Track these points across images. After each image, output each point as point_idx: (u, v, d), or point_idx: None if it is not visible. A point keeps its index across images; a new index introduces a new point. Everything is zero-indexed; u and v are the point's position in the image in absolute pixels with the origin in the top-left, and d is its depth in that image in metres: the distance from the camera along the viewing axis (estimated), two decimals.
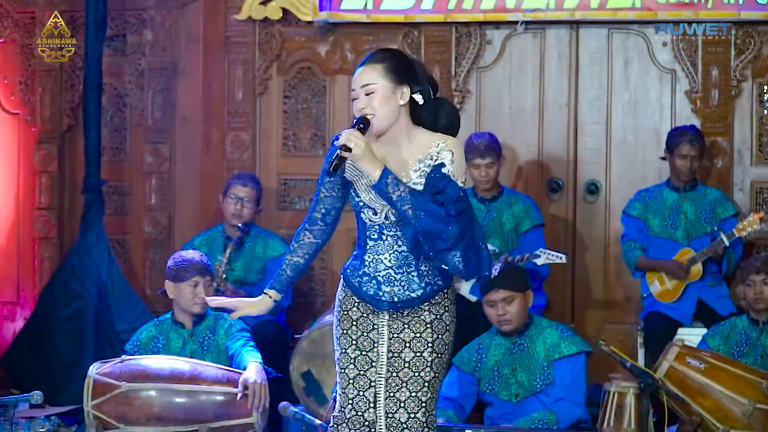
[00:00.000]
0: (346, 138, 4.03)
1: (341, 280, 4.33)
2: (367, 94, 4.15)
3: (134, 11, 7.69)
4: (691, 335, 6.30)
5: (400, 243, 4.16)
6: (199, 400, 5.62)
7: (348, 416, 4.20)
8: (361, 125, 4.10)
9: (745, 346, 6.01)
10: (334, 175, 4.15)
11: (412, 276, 4.16)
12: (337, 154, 4.03)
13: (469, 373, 5.88)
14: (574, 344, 5.78)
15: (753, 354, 5.97)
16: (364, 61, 4.25)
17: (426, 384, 4.14)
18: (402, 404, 4.14)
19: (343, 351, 4.23)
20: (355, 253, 4.28)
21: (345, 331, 4.24)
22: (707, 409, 5.58)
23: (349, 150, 4.02)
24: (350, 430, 4.19)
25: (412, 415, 4.13)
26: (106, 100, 7.57)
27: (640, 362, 5.86)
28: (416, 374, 4.14)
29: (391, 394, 4.15)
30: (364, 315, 4.22)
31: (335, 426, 4.24)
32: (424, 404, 4.14)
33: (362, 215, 4.20)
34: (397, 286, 4.16)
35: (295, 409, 5.61)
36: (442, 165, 4.09)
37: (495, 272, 5.78)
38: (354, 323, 4.23)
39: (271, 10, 7.46)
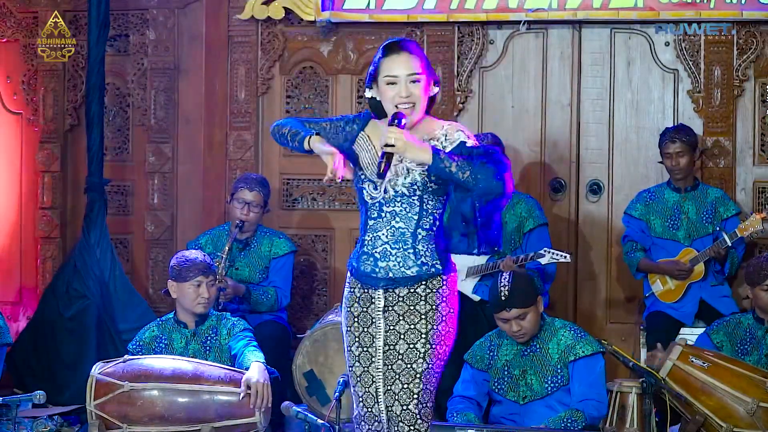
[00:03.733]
0: (387, 139, 4.08)
1: (348, 273, 4.38)
2: (412, 82, 4.20)
3: (137, 11, 7.70)
4: (693, 335, 6.30)
5: (397, 219, 4.22)
6: (201, 400, 5.62)
7: (362, 414, 4.27)
8: (398, 121, 4.14)
9: (750, 344, 6.01)
10: (382, 177, 4.14)
11: (408, 253, 4.21)
12: (383, 154, 4.09)
13: (483, 370, 5.87)
14: (590, 344, 5.73)
15: (757, 352, 5.97)
16: (399, 48, 4.24)
17: (418, 376, 4.16)
18: (396, 396, 4.17)
19: (349, 348, 4.31)
20: (358, 240, 4.35)
21: (348, 328, 4.31)
22: (711, 408, 5.58)
23: (392, 146, 4.07)
24: (368, 426, 4.26)
25: (404, 407, 4.16)
26: (108, 100, 7.58)
27: (643, 362, 5.85)
28: (409, 366, 4.17)
29: (388, 387, 4.20)
30: (364, 310, 4.28)
31: (357, 425, 4.31)
32: (416, 396, 4.16)
33: (364, 193, 4.27)
34: (392, 261, 4.21)
35: (298, 409, 5.60)
36: (464, 143, 4.18)
37: (505, 290, 5.72)
38: (356, 320, 4.29)
39: (274, 9, 7.46)
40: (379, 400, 4.21)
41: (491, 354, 5.87)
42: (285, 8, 7.45)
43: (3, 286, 7.82)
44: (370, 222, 4.26)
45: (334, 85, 7.57)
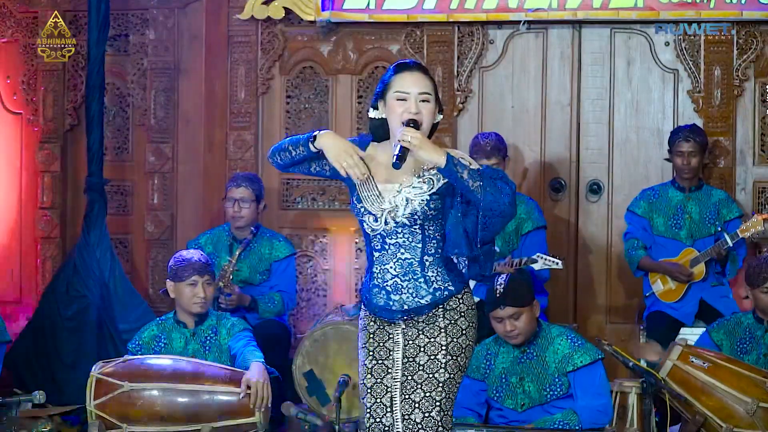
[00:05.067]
0: (403, 135, 4.09)
1: (362, 301, 4.38)
2: (422, 101, 4.21)
3: (137, 11, 7.70)
4: (694, 335, 6.29)
5: (402, 251, 4.20)
6: (201, 400, 5.62)
7: (368, 425, 4.25)
8: (413, 124, 4.15)
9: (749, 343, 6.00)
10: (398, 167, 4.11)
11: (419, 282, 4.20)
12: (401, 147, 4.09)
13: (479, 380, 5.82)
14: (587, 353, 5.67)
15: (756, 352, 5.97)
16: (412, 66, 4.25)
17: (440, 384, 4.18)
18: (417, 404, 4.18)
19: (362, 363, 4.29)
20: (366, 269, 4.34)
21: (364, 345, 4.30)
22: (711, 408, 5.57)
23: (409, 142, 4.08)
24: None
25: (426, 414, 4.17)
26: (108, 100, 7.58)
27: (642, 362, 5.84)
28: (430, 375, 4.18)
29: (407, 397, 4.20)
30: (380, 327, 4.27)
31: None
32: (438, 403, 4.17)
33: (365, 225, 4.25)
34: (405, 293, 4.21)
35: (298, 409, 5.61)
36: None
37: (500, 288, 5.71)
38: (371, 336, 4.29)
39: (274, 9, 7.46)
40: (395, 409, 4.20)
41: (488, 362, 5.83)
42: (285, 8, 7.45)
43: (3, 286, 7.82)
44: (376, 254, 4.24)
45: (334, 85, 7.57)
